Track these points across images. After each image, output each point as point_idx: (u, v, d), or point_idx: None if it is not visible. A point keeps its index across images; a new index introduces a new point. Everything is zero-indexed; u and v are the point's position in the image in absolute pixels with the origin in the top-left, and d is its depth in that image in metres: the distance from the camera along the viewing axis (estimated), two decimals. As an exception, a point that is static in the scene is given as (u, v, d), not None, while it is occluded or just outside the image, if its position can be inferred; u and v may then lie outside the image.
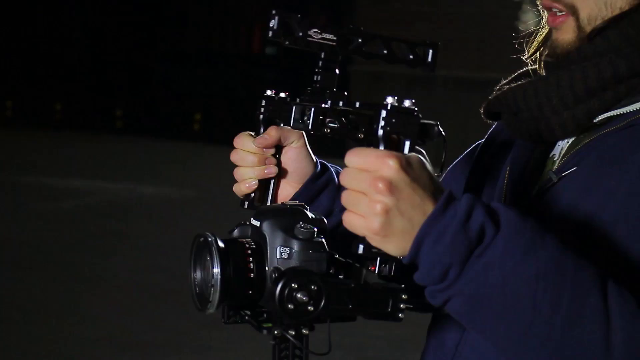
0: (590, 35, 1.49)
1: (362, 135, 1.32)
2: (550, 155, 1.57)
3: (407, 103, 1.27)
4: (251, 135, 1.64)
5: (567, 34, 1.52)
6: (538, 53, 1.61)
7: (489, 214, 1.24)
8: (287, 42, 1.38)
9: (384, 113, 1.25)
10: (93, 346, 6.31)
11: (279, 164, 1.65)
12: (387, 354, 6.58)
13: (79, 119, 20.70)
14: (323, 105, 1.37)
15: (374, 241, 1.24)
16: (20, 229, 9.73)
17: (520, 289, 1.23)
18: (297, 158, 1.67)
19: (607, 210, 1.40)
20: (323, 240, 1.36)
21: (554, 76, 1.51)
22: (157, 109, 21.00)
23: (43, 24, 22.29)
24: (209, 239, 1.36)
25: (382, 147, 1.26)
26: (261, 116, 1.61)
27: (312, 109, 1.36)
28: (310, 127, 1.36)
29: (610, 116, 1.48)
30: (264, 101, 1.59)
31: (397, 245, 1.24)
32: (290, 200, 1.62)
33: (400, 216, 1.22)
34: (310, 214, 1.40)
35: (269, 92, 1.58)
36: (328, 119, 1.36)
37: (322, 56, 1.39)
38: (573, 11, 1.50)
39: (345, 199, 1.24)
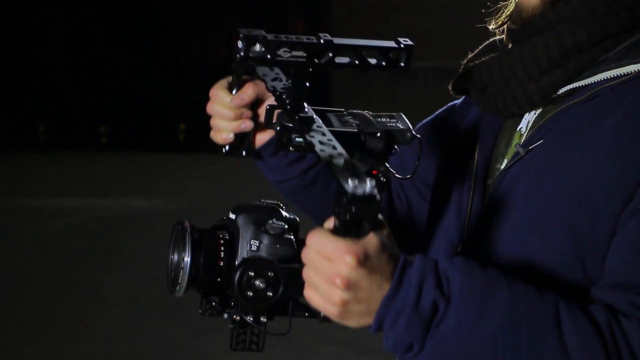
0: (554, 1, 1.51)
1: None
2: (518, 129, 1.58)
3: (368, 187, 1.22)
4: (226, 87, 1.62)
5: None
6: (506, 25, 1.62)
7: (438, 283, 1.29)
8: (255, 64, 1.39)
9: (344, 200, 1.23)
10: (93, 363, 6.31)
11: (255, 115, 1.64)
12: (383, 346, 6.59)
13: (64, 138, 20.66)
14: (289, 124, 1.35)
15: (334, 320, 1.31)
16: (11, 251, 9.71)
17: (481, 350, 1.30)
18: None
19: (574, 183, 1.42)
20: (292, 238, 1.43)
21: (517, 49, 1.53)
22: (140, 122, 20.97)
23: (21, 46, 22.24)
24: (185, 226, 1.46)
25: (342, 233, 1.26)
26: (237, 69, 1.58)
27: (278, 129, 1.35)
28: (275, 144, 1.37)
29: (574, 88, 1.50)
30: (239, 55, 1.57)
31: (357, 323, 1.31)
32: (265, 142, 1.65)
33: (358, 304, 1.28)
34: (284, 213, 1.47)
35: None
36: (294, 135, 1.35)
37: (292, 72, 1.38)
38: None
39: (306, 277, 1.29)
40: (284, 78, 1.43)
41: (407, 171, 1.45)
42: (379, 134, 1.36)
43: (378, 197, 1.22)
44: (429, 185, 1.76)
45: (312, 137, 1.30)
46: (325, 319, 1.33)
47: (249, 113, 1.62)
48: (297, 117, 1.33)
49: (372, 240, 1.26)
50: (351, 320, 1.29)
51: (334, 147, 1.28)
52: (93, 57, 22.27)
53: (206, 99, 1.63)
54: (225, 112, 1.61)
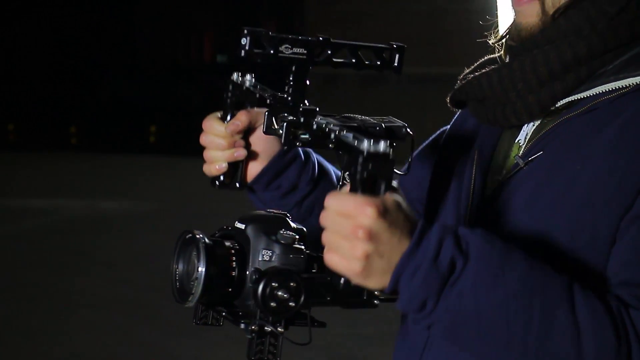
0: (554, 16, 1.53)
1: (333, 146, 1.36)
2: (516, 140, 1.60)
3: (382, 147, 1.27)
4: (219, 118, 1.66)
5: (530, 18, 1.55)
6: (504, 40, 1.64)
7: (457, 244, 1.32)
8: (259, 60, 1.44)
9: (360, 159, 1.27)
10: (63, 364, 6.28)
11: (248, 145, 1.67)
12: (356, 351, 6.62)
13: (33, 138, 20.55)
14: (293, 118, 1.40)
15: (355, 280, 1.31)
16: (-19, 252, 9.65)
17: (494, 313, 1.33)
18: (267, 138, 1.66)
19: (574, 194, 1.45)
20: (303, 247, 1.44)
21: (517, 62, 1.55)
22: (111, 124, 20.90)
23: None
24: (197, 236, 1.44)
25: (360, 191, 1.29)
26: (229, 100, 1.63)
27: (285, 124, 1.40)
28: (282, 141, 1.41)
29: (572, 100, 1.52)
30: (230, 85, 1.62)
31: (377, 282, 1.32)
32: (257, 174, 1.68)
33: (380, 258, 1.30)
34: (292, 223, 1.48)
35: (235, 77, 1.61)
36: (300, 132, 1.39)
37: (293, 69, 1.45)
38: None
39: (327, 240, 1.31)
40: (269, 91, 1.50)
41: (407, 194, 1.47)
42: (378, 128, 1.41)
43: (392, 156, 1.27)
44: (422, 202, 1.77)
45: (320, 121, 1.37)
46: (346, 284, 1.33)
47: (241, 142, 1.65)
48: (300, 110, 1.38)
49: (389, 197, 1.30)
50: (372, 278, 1.30)
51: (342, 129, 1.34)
52: (64, 58, 22.17)
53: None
54: (220, 142, 1.64)
